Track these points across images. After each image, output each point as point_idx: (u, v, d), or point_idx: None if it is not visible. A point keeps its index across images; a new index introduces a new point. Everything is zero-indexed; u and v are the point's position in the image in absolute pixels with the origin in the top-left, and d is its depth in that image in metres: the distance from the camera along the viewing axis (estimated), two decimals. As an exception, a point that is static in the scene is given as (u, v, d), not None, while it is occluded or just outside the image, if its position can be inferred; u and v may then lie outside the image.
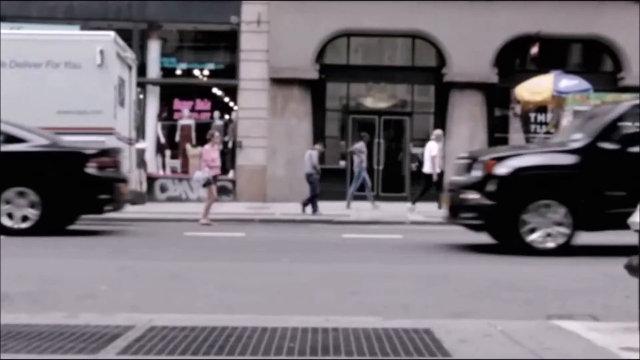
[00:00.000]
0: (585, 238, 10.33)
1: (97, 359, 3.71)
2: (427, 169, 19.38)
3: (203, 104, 24.31)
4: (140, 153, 20.45)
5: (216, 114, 23.92)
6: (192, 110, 24.12)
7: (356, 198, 22.15)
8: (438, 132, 20.05)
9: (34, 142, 12.53)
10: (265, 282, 7.34)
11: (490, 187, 10.14)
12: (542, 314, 5.35)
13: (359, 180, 20.58)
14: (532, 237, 10.01)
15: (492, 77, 22.81)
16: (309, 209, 18.66)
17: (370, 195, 20.56)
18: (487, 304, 6.23)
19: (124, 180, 13.76)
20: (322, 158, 20.49)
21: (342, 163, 23.33)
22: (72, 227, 12.88)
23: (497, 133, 23.72)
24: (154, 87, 24.05)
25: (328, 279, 7.68)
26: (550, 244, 10.02)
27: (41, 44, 15.98)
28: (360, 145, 20.90)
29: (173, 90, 24.31)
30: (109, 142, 15.57)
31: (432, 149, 19.37)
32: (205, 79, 24.43)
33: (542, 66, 21.66)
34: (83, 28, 21.66)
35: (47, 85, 15.35)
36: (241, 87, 23.48)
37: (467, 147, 21.14)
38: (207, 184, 16.52)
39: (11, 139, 12.35)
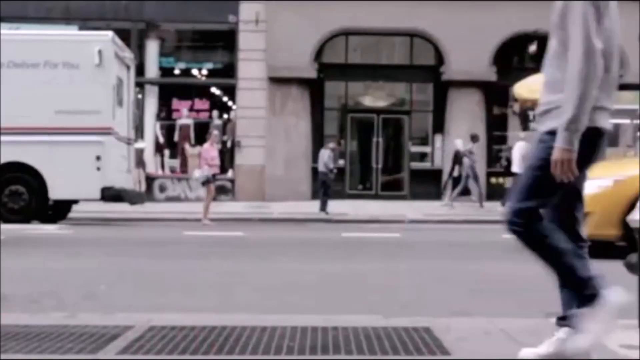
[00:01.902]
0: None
1: (97, 359, 3.70)
2: (516, 168, 18.66)
3: (201, 104, 24.31)
4: (139, 153, 20.49)
5: (215, 113, 23.92)
6: (191, 109, 24.12)
7: (357, 197, 22.19)
8: (526, 133, 19.75)
9: None
10: (264, 282, 7.34)
11: None
12: (541, 312, 5.35)
13: (466, 182, 20.27)
14: None
15: (491, 75, 22.83)
16: (329, 208, 18.55)
17: (478, 197, 20.43)
18: (486, 302, 6.23)
19: None
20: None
21: (341, 162, 23.33)
22: (72, 226, 12.88)
23: (495, 131, 23.76)
24: (152, 87, 24.05)
25: (328, 278, 7.68)
26: None
27: (39, 44, 15.97)
28: (472, 147, 20.64)
29: (171, 90, 24.31)
30: (107, 142, 15.62)
31: (522, 147, 18.97)
32: (203, 78, 24.43)
33: (540, 64, 21.58)
34: (81, 28, 21.66)
35: (45, 85, 15.34)
36: (239, 87, 23.48)
37: (466, 146, 21.19)
38: (206, 182, 16.54)
39: None
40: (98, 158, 15.44)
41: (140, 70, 21.39)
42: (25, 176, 15.34)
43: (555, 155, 3.35)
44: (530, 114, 21.51)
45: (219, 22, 23.35)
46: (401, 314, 5.36)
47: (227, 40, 23.90)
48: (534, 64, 22.65)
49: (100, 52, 15.60)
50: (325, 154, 19.60)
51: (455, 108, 23.13)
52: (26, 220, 15.08)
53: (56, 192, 15.48)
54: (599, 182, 9.63)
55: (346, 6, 22.40)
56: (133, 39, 22.76)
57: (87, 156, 15.35)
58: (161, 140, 24.11)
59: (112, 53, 15.89)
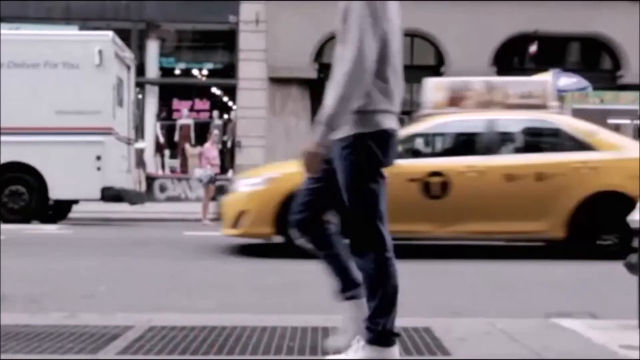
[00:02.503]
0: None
1: (97, 359, 3.71)
2: None
3: (202, 104, 24.31)
4: (139, 153, 20.47)
5: (215, 113, 23.92)
6: (191, 110, 24.12)
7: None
8: None
9: None
10: (264, 282, 7.34)
11: None
12: (541, 312, 5.35)
13: None
14: None
15: (491, 75, 22.79)
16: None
17: None
18: (486, 302, 6.23)
19: None
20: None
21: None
22: (72, 226, 12.88)
23: (495, 131, 23.71)
24: (152, 87, 24.04)
25: (328, 278, 7.66)
26: None
27: (39, 44, 15.97)
28: None
29: (172, 90, 24.30)
30: (107, 142, 15.62)
31: None
32: (204, 78, 24.43)
33: (540, 64, 21.66)
34: (81, 28, 21.65)
35: (45, 85, 15.35)
36: (240, 87, 23.47)
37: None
38: (209, 181, 16.56)
39: None
40: (98, 158, 15.45)
41: (140, 70, 21.39)
42: (25, 176, 15.34)
43: (307, 146, 3.39)
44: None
45: (219, 22, 23.34)
46: (401, 314, 5.35)
47: (227, 41, 23.90)
48: (534, 64, 22.68)
49: (100, 52, 15.60)
50: None
51: (456, 108, 23.10)
52: (26, 220, 15.09)
53: (56, 192, 15.48)
54: (252, 180, 9.69)
55: (346, 6, 22.37)
56: (133, 39, 22.76)
57: (87, 156, 15.35)
58: (161, 140, 24.11)
59: (112, 53, 15.90)
